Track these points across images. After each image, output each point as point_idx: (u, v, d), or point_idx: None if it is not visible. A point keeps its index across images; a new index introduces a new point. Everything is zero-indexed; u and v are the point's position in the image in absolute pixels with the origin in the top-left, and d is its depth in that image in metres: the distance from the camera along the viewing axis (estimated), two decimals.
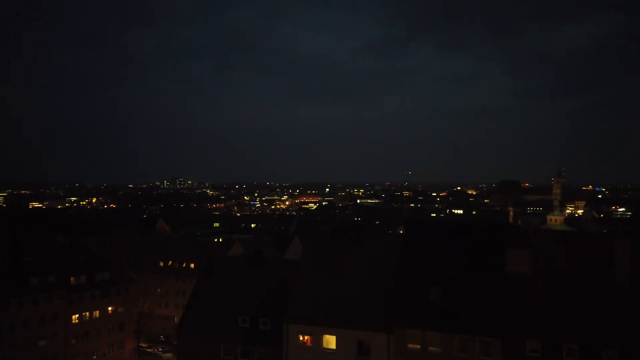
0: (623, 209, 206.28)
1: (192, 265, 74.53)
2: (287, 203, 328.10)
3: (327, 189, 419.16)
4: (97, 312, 56.07)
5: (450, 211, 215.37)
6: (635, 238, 32.63)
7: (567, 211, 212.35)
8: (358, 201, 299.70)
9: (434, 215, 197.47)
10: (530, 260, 33.60)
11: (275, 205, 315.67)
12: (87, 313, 55.13)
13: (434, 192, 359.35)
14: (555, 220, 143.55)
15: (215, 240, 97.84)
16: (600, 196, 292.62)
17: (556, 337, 29.91)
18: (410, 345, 33.05)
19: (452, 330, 32.06)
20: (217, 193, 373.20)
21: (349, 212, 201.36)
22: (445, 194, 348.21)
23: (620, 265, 31.20)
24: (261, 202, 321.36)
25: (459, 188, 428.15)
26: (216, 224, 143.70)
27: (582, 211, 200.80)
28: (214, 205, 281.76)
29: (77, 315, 54.05)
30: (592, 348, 29.00)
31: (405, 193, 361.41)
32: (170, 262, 77.66)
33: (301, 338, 36.05)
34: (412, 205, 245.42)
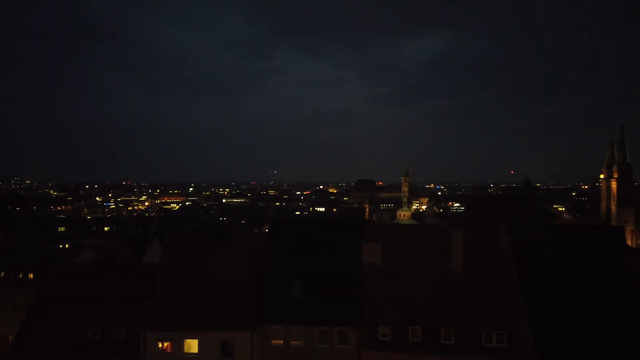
0: (458, 204, 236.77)
1: (30, 276, 65.61)
2: (146, 204, 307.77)
3: (191, 189, 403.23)
4: None
5: (314, 209, 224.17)
6: (467, 229, 37.78)
7: (414, 207, 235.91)
8: (224, 201, 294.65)
9: (298, 213, 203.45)
10: (382, 253, 36.78)
11: (133, 206, 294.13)
12: None
13: (298, 191, 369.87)
14: (404, 215, 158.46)
15: (61, 246, 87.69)
16: (440, 193, 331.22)
17: (403, 321, 33.21)
18: (273, 342, 33.73)
19: (313, 323, 33.55)
20: (62, 194, 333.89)
21: (214, 212, 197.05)
22: (308, 192, 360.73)
23: (454, 253, 35.84)
24: (116, 203, 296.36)
25: (321, 187, 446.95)
26: (62, 229, 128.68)
27: (426, 207, 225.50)
28: (59, 208, 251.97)
29: None
30: (432, 328, 32.83)
31: (271, 192, 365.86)
32: (3, 274, 67.35)
33: (160, 345, 34.36)
34: (278, 204, 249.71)
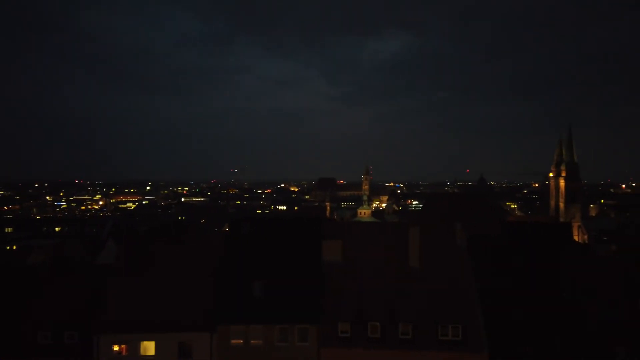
0: (416, 202, 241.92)
1: None
2: (100, 203, 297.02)
3: (148, 187, 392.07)
4: None
5: (275, 207, 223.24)
6: (424, 226, 38.71)
7: (374, 205, 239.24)
8: (182, 199, 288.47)
9: (260, 211, 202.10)
10: (342, 250, 37.15)
11: (86, 205, 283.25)
12: None
13: (259, 190, 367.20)
14: (364, 213, 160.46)
15: (9, 247, 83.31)
16: (399, 191, 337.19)
17: (362, 317, 33.68)
18: (233, 341, 33.43)
19: (273, 321, 33.49)
20: (9, 193, 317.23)
21: (172, 211, 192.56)
22: (270, 191, 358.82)
23: (411, 250, 36.65)
24: (68, 202, 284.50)
25: (283, 185, 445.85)
26: (9, 229, 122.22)
27: (386, 204, 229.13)
28: (5, 208, 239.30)
29: None
30: (390, 323, 33.46)
31: (232, 190, 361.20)
32: None
33: (116, 348, 33.36)
34: (239, 202, 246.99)
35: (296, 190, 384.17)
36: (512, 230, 51.28)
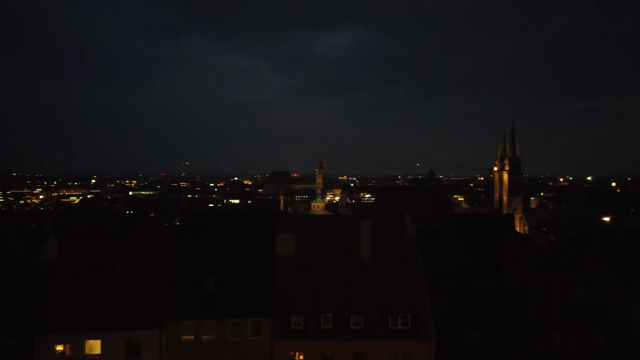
0: (369, 195, 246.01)
1: None
2: (41, 197, 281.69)
3: (94, 181, 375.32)
4: None
5: (228, 201, 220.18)
6: (375, 219, 39.45)
7: (327, 198, 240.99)
8: (130, 193, 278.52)
9: (212, 205, 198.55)
10: (295, 243, 37.25)
11: (25, 199, 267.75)
12: None
13: (211, 183, 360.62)
14: (318, 206, 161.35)
15: None
16: (352, 185, 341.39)
17: (315, 310, 34.00)
18: (184, 337, 32.86)
19: (225, 316, 33.17)
20: None
21: (120, 205, 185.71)
22: (222, 184, 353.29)
23: (363, 242, 37.30)
24: (5, 196, 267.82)
25: (236, 178, 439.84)
26: None
27: (339, 198, 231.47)
28: None
29: None
30: (342, 315, 33.99)
31: (183, 184, 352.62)
32: None
33: (59, 348, 31.95)
34: (190, 196, 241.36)
35: (250, 183, 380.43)
36: (459, 222, 53.31)
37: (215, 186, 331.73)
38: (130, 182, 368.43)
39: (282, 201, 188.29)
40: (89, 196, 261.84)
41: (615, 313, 34.55)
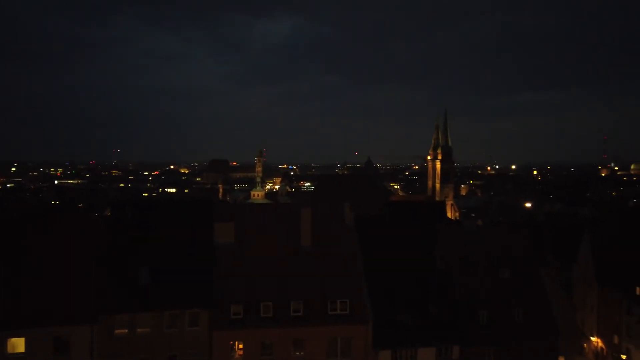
0: (309, 183, 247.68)
1: None
2: None
3: (14, 169, 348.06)
4: None
5: (163, 190, 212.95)
6: (315, 207, 39.84)
7: (267, 187, 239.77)
8: (56, 182, 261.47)
9: (146, 194, 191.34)
10: (235, 232, 36.84)
11: None
12: None
13: (145, 171, 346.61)
14: (258, 195, 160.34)
15: None
16: (292, 173, 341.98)
17: (255, 298, 33.93)
18: (117, 332, 31.64)
19: (162, 307, 32.28)
20: None
21: (44, 195, 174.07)
22: (157, 172, 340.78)
23: (303, 230, 37.60)
24: None
25: (171, 167, 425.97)
26: None
27: (279, 186, 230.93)
28: None
29: None
30: (282, 302, 34.20)
31: (114, 172, 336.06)
32: None
33: None
34: (122, 185, 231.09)
35: (186, 172, 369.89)
36: (395, 209, 55.14)
37: (150, 175, 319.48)
38: (56, 171, 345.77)
39: (220, 190, 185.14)
40: (8, 185, 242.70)
41: (535, 292, 37.40)
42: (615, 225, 52.69)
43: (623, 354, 44.33)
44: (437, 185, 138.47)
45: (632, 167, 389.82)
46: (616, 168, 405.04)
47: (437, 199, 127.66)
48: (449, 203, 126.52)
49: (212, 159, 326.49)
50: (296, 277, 35.38)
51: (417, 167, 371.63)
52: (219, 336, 32.88)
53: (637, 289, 42.35)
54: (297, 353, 33.73)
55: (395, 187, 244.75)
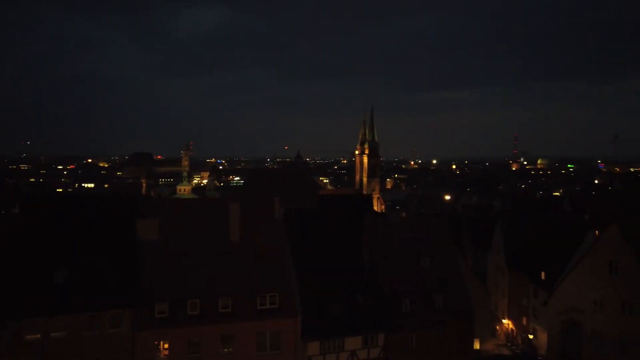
0: (238, 178, 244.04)
1: None
2: None
3: None
4: None
5: (80, 185, 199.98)
6: (244, 201, 39.44)
7: (195, 181, 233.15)
8: None
9: (61, 190, 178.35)
10: (160, 229, 35.52)
11: None
12: None
13: (59, 165, 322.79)
14: (184, 190, 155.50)
15: None
16: (221, 167, 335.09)
17: (182, 296, 33.01)
18: (29, 337, 29.40)
19: (79, 309, 30.43)
20: None
21: None
22: (73, 166, 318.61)
23: (232, 225, 37.12)
24: None
25: (89, 160, 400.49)
26: None
27: (207, 181, 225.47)
28: None
29: None
30: (210, 299, 33.58)
31: (23, 166, 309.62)
32: None
33: None
34: (33, 180, 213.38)
35: (106, 166, 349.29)
36: (324, 202, 56.03)
37: (65, 169, 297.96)
38: None
39: (144, 185, 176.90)
40: None
41: (454, 279, 39.80)
42: (524, 216, 57.45)
43: (530, 334, 48.55)
44: (365, 180, 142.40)
45: (539, 161, 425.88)
46: (525, 163, 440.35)
47: (364, 192, 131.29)
48: (375, 196, 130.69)
49: (135, 152, 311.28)
50: (224, 273, 34.89)
51: (345, 161, 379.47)
52: (142, 337, 31.63)
53: (543, 274, 46.48)
54: (226, 349, 33.34)
55: (325, 181, 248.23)
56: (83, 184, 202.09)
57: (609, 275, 32.22)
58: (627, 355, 30.82)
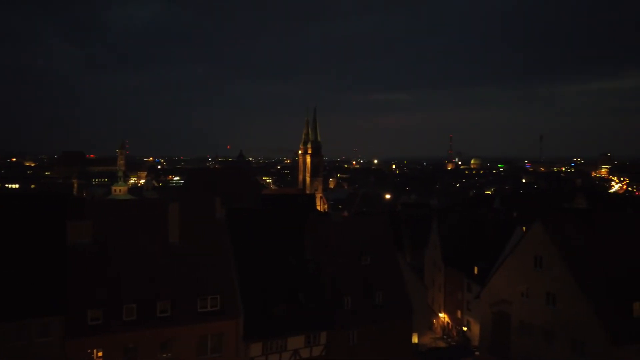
0: (178, 178, 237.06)
1: None
2: None
3: None
4: None
5: (4, 185, 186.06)
6: (184, 202, 38.39)
7: (131, 181, 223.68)
8: None
9: None
10: (92, 231, 33.81)
11: None
12: None
13: None
14: (120, 190, 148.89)
15: None
16: (159, 167, 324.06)
17: (116, 301, 31.61)
18: None
19: (4, 318, 28.34)
20: None
21: None
22: None
23: (171, 226, 36.03)
24: None
25: (13, 159, 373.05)
26: None
27: (145, 181, 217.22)
28: None
29: None
30: (148, 303, 32.39)
31: None
32: None
33: None
34: None
35: (33, 165, 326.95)
36: (267, 202, 55.72)
37: None
38: None
39: (75, 185, 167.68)
40: None
41: (393, 276, 40.96)
42: (458, 213, 60.22)
43: (464, 327, 51.00)
44: (308, 179, 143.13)
45: (472, 161, 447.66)
46: (460, 162, 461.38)
47: (307, 192, 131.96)
48: (318, 195, 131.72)
49: (64, 151, 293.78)
50: (163, 276, 33.81)
51: (289, 161, 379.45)
52: (74, 345, 29.99)
53: (475, 268, 48.95)
54: (164, 355, 32.34)
55: (268, 180, 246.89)
56: (7, 185, 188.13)
57: (534, 269, 34.45)
58: (551, 343, 33.17)
